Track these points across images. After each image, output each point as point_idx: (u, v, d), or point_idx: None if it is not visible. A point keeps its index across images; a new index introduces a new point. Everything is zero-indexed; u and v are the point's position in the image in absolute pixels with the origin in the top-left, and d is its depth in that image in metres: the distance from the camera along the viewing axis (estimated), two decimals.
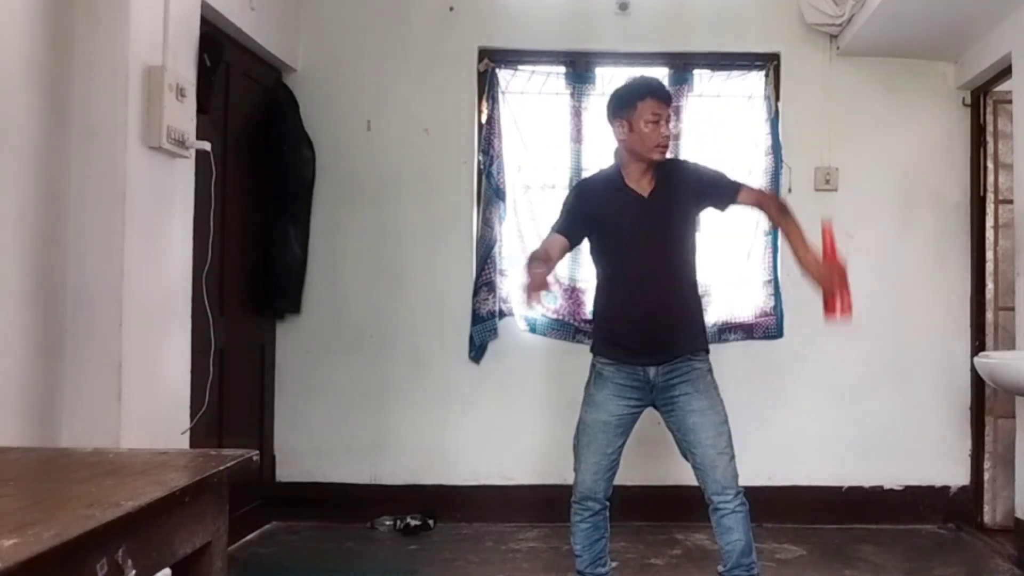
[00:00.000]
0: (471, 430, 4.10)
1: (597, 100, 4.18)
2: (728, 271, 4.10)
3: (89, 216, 2.44)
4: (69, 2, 2.43)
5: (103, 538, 1.05)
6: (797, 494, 4.01)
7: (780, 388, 4.07)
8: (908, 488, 4.09)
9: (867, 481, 4.09)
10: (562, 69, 4.19)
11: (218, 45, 3.09)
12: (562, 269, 4.14)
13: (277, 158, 3.89)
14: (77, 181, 2.44)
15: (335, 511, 4.00)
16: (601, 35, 4.16)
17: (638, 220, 2.69)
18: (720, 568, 2.66)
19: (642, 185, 2.71)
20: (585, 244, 2.80)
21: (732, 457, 2.62)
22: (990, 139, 4.05)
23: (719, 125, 4.18)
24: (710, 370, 2.70)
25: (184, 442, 2.76)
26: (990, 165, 4.05)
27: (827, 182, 4.12)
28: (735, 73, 4.18)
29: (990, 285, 4.03)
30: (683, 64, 4.16)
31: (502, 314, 4.12)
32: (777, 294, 4.10)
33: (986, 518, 3.99)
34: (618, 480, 2.76)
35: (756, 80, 4.19)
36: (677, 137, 4.13)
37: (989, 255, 4.03)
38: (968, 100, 4.12)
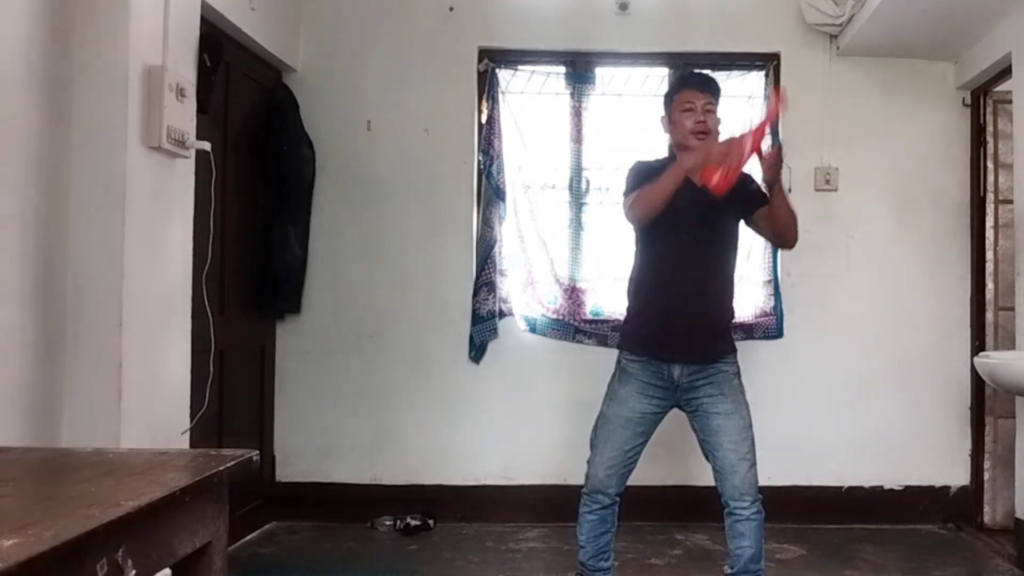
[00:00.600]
0: (471, 430, 4.10)
1: (597, 100, 4.19)
2: None
3: (89, 216, 2.44)
4: (69, 2, 2.43)
5: (103, 538, 1.05)
6: (797, 494, 4.01)
7: (780, 388, 4.07)
8: (908, 488, 4.09)
9: (867, 481, 4.09)
10: (562, 69, 4.19)
11: (218, 45, 3.09)
12: (562, 269, 4.14)
13: (277, 158, 3.89)
14: (77, 181, 2.44)
15: (335, 511, 4.00)
16: (601, 35, 4.16)
17: (695, 210, 2.62)
18: (727, 569, 2.66)
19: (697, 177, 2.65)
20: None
21: (753, 464, 2.60)
22: (990, 139, 4.05)
23: (719, 125, 4.16)
24: (737, 373, 2.69)
25: (184, 442, 2.76)
26: (990, 165, 4.05)
27: (827, 182, 4.12)
28: (735, 73, 4.18)
29: (990, 285, 4.03)
30: (683, 64, 4.15)
31: (502, 314, 4.12)
32: (777, 294, 4.10)
33: (986, 518, 3.99)
34: None
35: (756, 80, 4.19)
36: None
37: (989, 255, 4.04)
38: (968, 100, 4.12)
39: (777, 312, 4.10)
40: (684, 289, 2.65)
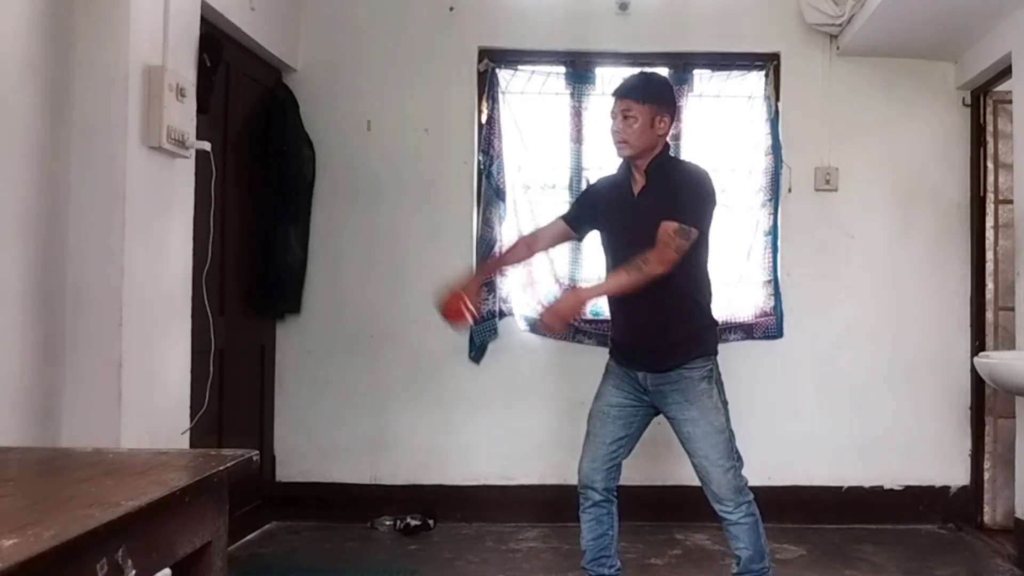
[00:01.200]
0: (471, 430, 4.10)
1: (597, 100, 4.18)
2: (728, 271, 4.09)
3: (89, 216, 2.44)
4: (69, 2, 2.43)
5: (103, 538, 1.05)
6: (797, 494, 4.01)
7: (780, 388, 4.07)
8: (908, 488, 4.09)
9: (867, 481, 4.09)
10: (562, 69, 4.19)
11: (218, 45, 3.09)
12: (562, 269, 4.14)
13: (277, 158, 3.89)
14: (77, 181, 2.44)
15: (335, 511, 3.99)
16: (601, 35, 4.16)
17: (623, 219, 2.68)
18: (733, 570, 2.67)
19: (637, 184, 2.69)
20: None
21: (729, 468, 2.58)
22: (990, 139, 4.05)
23: (719, 125, 4.17)
24: (705, 377, 2.62)
25: (184, 442, 2.76)
26: (990, 165, 4.05)
27: (827, 182, 4.11)
28: (735, 73, 4.18)
29: (990, 285, 4.03)
30: (683, 64, 4.16)
31: (502, 314, 4.11)
32: (777, 294, 4.10)
33: (986, 518, 3.99)
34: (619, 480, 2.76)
35: (756, 80, 4.19)
36: (677, 137, 4.13)
37: (989, 255, 4.03)
38: (968, 100, 4.12)
39: (777, 312, 4.10)
40: (628, 308, 2.67)
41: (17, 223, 2.26)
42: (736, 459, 2.62)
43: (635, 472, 2.77)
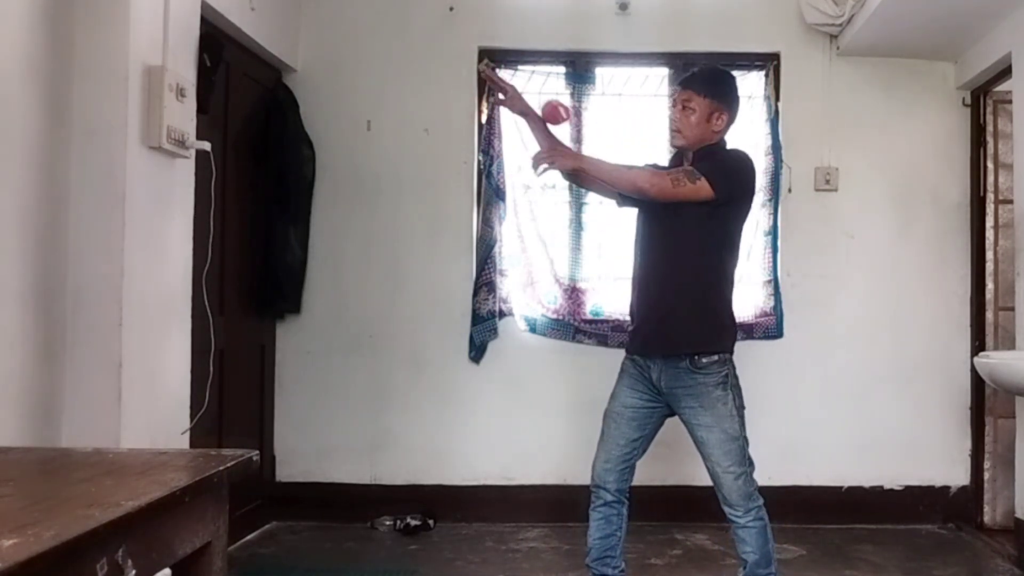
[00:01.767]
0: (471, 430, 4.10)
1: (597, 100, 4.18)
2: None
3: (89, 216, 2.44)
4: (69, 2, 2.43)
5: (103, 538, 1.05)
6: (797, 494, 4.01)
7: (780, 388, 4.07)
8: (908, 488, 4.09)
9: (867, 481, 4.09)
10: (562, 69, 4.19)
11: (218, 45, 3.09)
12: (562, 269, 4.14)
13: (277, 158, 3.89)
14: (77, 181, 2.44)
15: (335, 511, 3.99)
16: (601, 35, 4.16)
17: (651, 205, 2.67)
18: (739, 574, 2.67)
19: None
20: None
21: (740, 475, 2.57)
22: (990, 139, 4.05)
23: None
24: (720, 384, 2.59)
25: (184, 442, 2.76)
26: (990, 165, 4.05)
27: (827, 182, 4.12)
28: (735, 73, 4.15)
29: (990, 285, 4.03)
30: (683, 64, 4.15)
31: (502, 314, 4.11)
32: (777, 294, 4.10)
33: (986, 518, 3.99)
34: None
35: (756, 80, 4.19)
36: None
37: (989, 255, 4.03)
38: (968, 100, 4.12)
39: (777, 312, 4.10)
40: (645, 283, 2.71)
41: (17, 223, 2.26)
42: (748, 464, 2.60)
43: (636, 472, 2.77)
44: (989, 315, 4.02)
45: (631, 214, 2.82)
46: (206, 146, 2.78)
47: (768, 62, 4.16)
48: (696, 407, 2.60)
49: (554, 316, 4.10)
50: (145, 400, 2.55)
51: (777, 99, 4.14)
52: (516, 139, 4.16)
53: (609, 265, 4.13)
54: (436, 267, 4.14)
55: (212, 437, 3.28)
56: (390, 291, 4.12)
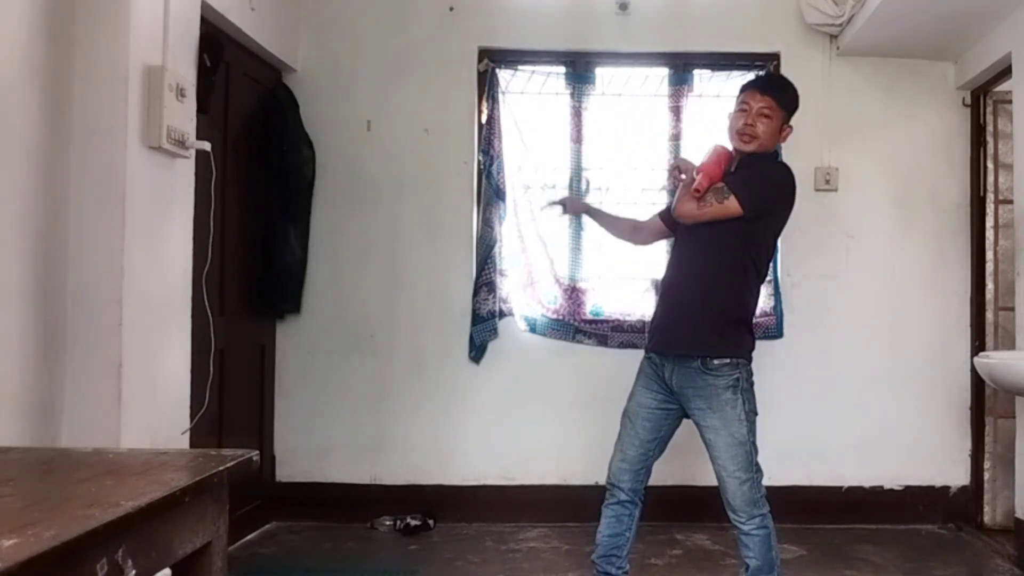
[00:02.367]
0: (471, 430, 4.10)
1: (597, 100, 4.18)
2: None
3: (89, 216, 2.44)
4: (69, 2, 2.43)
5: (103, 538, 1.05)
6: (797, 494, 4.01)
7: (780, 388, 4.06)
8: (908, 488, 4.09)
9: (867, 481, 4.09)
10: (562, 69, 4.19)
11: (218, 45, 3.09)
12: (562, 269, 4.14)
13: (277, 158, 3.89)
14: (77, 181, 2.44)
15: (335, 511, 4.00)
16: (601, 35, 4.16)
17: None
18: (741, 572, 2.67)
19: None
20: None
21: (745, 480, 2.56)
22: (990, 139, 4.05)
23: (719, 125, 4.16)
24: (731, 386, 2.58)
25: (184, 442, 2.76)
26: (990, 165, 4.05)
27: (827, 182, 4.12)
28: (735, 73, 4.17)
29: (990, 285, 4.03)
30: (683, 64, 4.16)
31: (502, 314, 4.11)
32: (777, 294, 4.10)
33: (986, 518, 3.99)
34: None
35: None
36: (677, 137, 4.13)
37: (989, 255, 4.03)
38: (968, 100, 4.12)
39: (777, 312, 4.09)
40: (672, 282, 2.76)
41: (17, 223, 2.25)
42: (755, 471, 2.58)
43: None
44: (989, 315, 4.02)
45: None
46: (206, 146, 2.78)
47: (768, 62, 4.16)
48: (705, 408, 2.60)
49: (554, 316, 4.10)
50: (145, 400, 2.55)
51: None
52: (516, 139, 4.16)
53: (609, 265, 4.13)
54: (436, 267, 4.13)
55: (212, 437, 3.28)
56: (390, 291, 4.12)
